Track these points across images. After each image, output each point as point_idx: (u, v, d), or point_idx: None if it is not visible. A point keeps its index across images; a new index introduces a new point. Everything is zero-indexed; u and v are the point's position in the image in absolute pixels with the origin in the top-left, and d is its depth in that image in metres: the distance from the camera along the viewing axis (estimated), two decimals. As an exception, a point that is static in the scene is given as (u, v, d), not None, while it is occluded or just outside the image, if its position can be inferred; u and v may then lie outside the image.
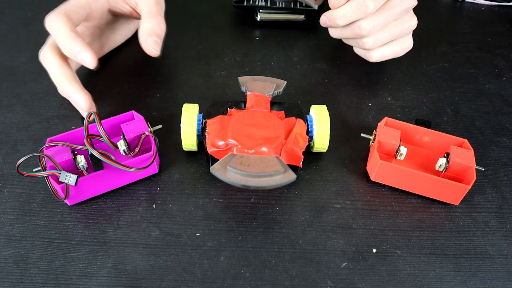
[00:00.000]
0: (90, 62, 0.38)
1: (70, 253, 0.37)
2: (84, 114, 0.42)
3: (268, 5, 0.57)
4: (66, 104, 0.48)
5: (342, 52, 0.56)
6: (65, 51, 0.39)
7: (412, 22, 0.47)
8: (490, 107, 0.50)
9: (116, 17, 0.50)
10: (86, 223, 0.39)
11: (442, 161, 0.41)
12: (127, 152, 0.40)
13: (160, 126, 0.42)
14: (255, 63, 0.54)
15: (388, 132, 0.42)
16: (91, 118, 0.39)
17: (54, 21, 0.39)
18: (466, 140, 0.42)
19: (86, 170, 0.39)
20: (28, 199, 0.40)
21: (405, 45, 0.49)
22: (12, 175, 0.42)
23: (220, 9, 0.61)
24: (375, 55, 0.48)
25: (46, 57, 0.42)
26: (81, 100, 0.41)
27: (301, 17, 0.58)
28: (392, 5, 0.44)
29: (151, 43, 0.43)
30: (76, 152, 0.39)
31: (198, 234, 0.39)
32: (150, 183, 0.42)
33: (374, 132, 0.43)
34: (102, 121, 0.41)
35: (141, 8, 0.44)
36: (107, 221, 0.39)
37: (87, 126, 0.38)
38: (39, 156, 0.37)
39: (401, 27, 0.46)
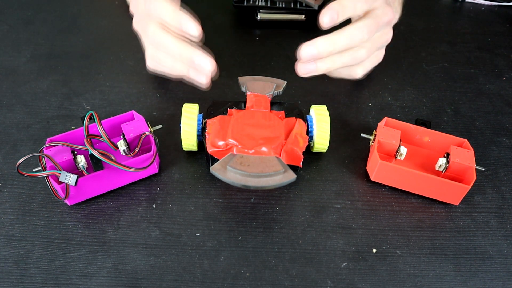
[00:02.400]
0: (195, 30, 0.39)
1: (70, 253, 0.37)
2: (205, 81, 0.41)
3: (268, 5, 0.57)
4: (66, 104, 0.48)
5: (342, 52, 0.56)
6: (175, 24, 0.40)
7: (389, 34, 0.46)
8: (490, 107, 0.50)
9: None
10: (86, 223, 0.39)
11: (442, 161, 0.41)
12: (127, 152, 0.40)
13: (160, 126, 0.42)
14: (255, 63, 0.54)
15: (388, 132, 0.42)
16: (91, 118, 0.39)
17: (159, 3, 0.40)
18: (466, 140, 0.42)
19: (86, 170, 0.39)
20: (28, 199, 0.40)
21: (380, 57, 0.48)
22: (12, 175, 0.42)
23: (220, 9, 0.61)
24: (360, 71, 0.46)
25: (158, 33, 0.42)
26: (205, 61, 0.40)
27: (301, 17, 0.58)
28: (377, 15, 0.42)
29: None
30: (76, 152, 0.39)
31: (198, 234, 0.39)
32: (150, 183, 0.42)
33: (374, 132, 0.43)
34: (102, 121, 0.40)
35: None
36: (107, 221, 0.39)
37: (87, 126, 0.38)
38: (39, 156, 0.37)
39: (382, 39, 0.45)
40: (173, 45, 0.41)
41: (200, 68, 0.40)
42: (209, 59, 0.40)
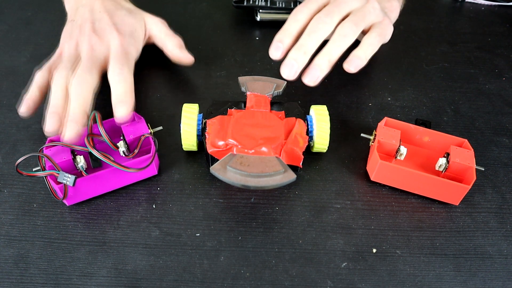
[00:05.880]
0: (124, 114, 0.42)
1: (70, 253, 0.37)
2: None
3: (268, 5, 0.57)
4: (66, 104, 0.48)
5: (342, 52, 0.56)
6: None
7: (388, 28, 0.47)
8: (490, 107, 0.50)
9: None
10: (86, 223, 0.39)
11: (442, 161, 0.41)
12: (126, 154, 0.40)
13: (161, 127, 0.42)
14: (255, 63, 0.54)
15: (388, 132, 0.42)
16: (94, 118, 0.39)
17: (124, 73, 0.43)
18: (466, 140, 0.42)
19: (85, 171, 0.39)
20: (28, 199, 0.40)
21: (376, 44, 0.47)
22: (12, 175, 0.42)
23: (220, 9, 0.61)
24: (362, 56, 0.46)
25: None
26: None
27: (301, 17, 0.58)
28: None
29: (185, 53, 0.50)
30: (75, 153, 0.39)
31: (198, 234, 0.39)
32: (150, 183, 0.42)
33: (374, 132, 0.43)
34: (103, 122, 0.40)
35: (159, 34, 0.51)
36: (107, 221, 0.39)
37: (91, 126, 0.38)
38: (38, 156, 0.37)
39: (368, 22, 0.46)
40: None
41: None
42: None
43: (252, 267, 0.37)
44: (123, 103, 0.41)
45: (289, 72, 0.42)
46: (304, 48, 0.42)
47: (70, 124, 0.38)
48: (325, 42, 0.44)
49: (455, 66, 0.55)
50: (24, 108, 0.42)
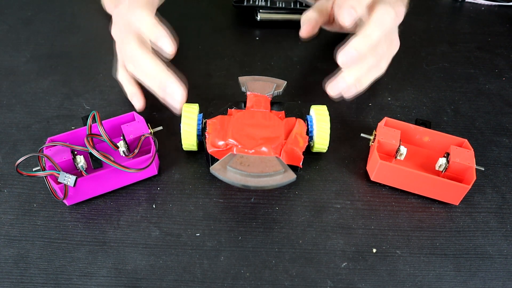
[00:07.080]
0: (169, 48, 0.39)
1: (70, 253, 0.37)
2: (178, 107, 0.41)
3: (268, 5, 0.57)
4: (66, 104, 0.48)
5: (342, 52, 0.56)
6: (152, 37, 0.40)
7: (397, 41, 0.48)
8: (490, 107, 0.50)
9: None
10: (86, 223, 0.39)
11: (442, 161, 0.41)
12: (126, 154, 0.40)
13: (161, 127, 0.42)
14: (255, 63, 0.54)
15: (388, 132, 0.42)
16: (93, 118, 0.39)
17: (140, 14, 0.41)
18: (466, 140, 0.42)
19: (85, 171, 0.39)
20: (28, 199, 0.40)
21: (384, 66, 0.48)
22: (12, 175, 0.42)
23: (220, 9, 0.61)
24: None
25: (137, 51, 0.41)
26: (177, 91, 0.40)
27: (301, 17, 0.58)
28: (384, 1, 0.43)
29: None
30: (75, 152, 0.39)
31: (198, 234, 0.39)
32: (150, 183, 0.42)
33: (374, 132, 0.43)
34: (102, 122, 0.40)
35: None
36: (107, 221, 0.39)
37: (91, 125, 0.38)
38: (38, 156, 0.37)
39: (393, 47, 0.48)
40: (149, 66, 0.40)
41: (171, 96, 0.40)
42: (181, 89, 0.39)
43: (252, 267, 0.37)
44: None
45: (335, 90, 0.42)
46: (361, 83, 0.42)
47: None
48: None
49: (455, 66, 0.55)
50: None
